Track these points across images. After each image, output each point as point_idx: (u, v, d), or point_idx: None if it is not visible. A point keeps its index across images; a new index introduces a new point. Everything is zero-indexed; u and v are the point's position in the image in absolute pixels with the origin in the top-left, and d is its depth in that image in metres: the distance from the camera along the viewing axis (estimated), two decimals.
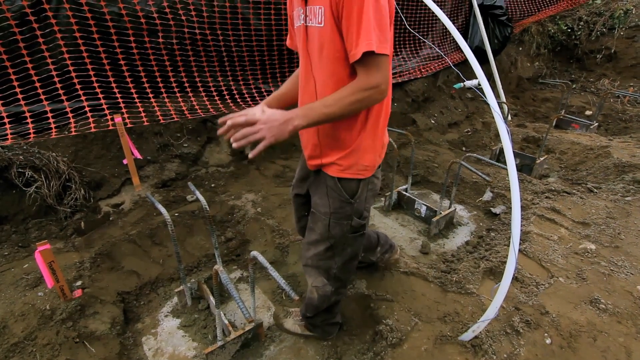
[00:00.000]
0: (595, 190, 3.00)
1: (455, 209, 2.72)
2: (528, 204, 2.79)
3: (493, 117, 2.52)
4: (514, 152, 2.13)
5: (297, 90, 1.40)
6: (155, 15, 2.66)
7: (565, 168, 3.64)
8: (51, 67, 2.38)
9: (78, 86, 2.48)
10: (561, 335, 1.72)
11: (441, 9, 1.64)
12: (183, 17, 2.80)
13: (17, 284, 1.93)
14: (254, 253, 1.40)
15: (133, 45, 2.65)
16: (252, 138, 1.06)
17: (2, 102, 2.29)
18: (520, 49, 6.15)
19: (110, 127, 2.50)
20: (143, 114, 2.70)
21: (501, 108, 4.48)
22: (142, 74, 2.76)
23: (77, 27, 2.41)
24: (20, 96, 2.32)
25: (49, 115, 2.39)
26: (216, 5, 2.91)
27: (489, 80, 1.63)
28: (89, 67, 2.53)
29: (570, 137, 4.11)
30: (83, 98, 2.50)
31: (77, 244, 2.32)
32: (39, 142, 2.50)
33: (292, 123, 1.08)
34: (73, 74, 2.46)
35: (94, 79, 2.55)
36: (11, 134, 2.26)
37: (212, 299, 1.84)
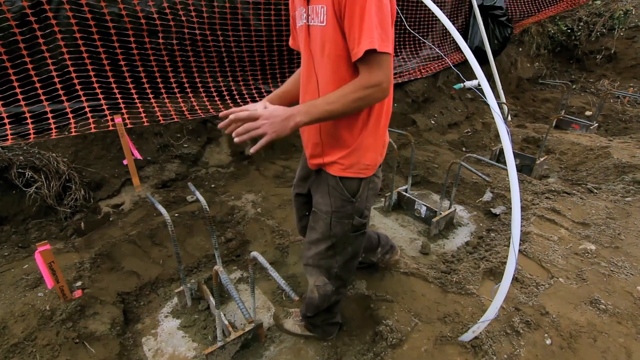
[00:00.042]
0: (595, 190, 3.00)
1: (455, 210, 2.72)
2: (528, 204, 2.79)
3: (493, 118, 2.52)
4: (513, 152, 2.13)
5: (298, 88, 1.40)
6: (155, 15, 2.67)
7: (565, 168, 3.64)
8: (51, 67, 2.38)
9: (78, 87, 2.48)
10: (561, 335, 1.71)
11: (441, 9, 1.64)
12: (183, 18, 2.80)
13: (17, 285, 1.93)
14: (254, 253, 1.40)
15: (133, 45, 2.65)
16: (254, 133, 1.06)
17: (2, 102, 2.29)
18: (520, 49, 6.16)
19: (111, 128, 2.50)
20: (143, 115, 2.70)
21: (501, 108, 4.48)
22: (142, 74, 2.76)
23: (77, 28, 2.41)
24: (20, 97, 2.32)
25: (49, 115, 2.39)
26: (216, 6, 2.91)
27: (488, 80, 1.64)
28: (89, 67, 2.53)
29: (570, 138, 4.11)
30: (83, 98, 2.50)
31: (77, 245, 2.32)
32: (39, 143, 2.50)
33: (294, 119, 1.09)
34: (73, 75, 2.46)
35: (94, 79, 2.55)
36: (11, 134, 2.26)
37: (212, 300, 1.84)
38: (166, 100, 2.88)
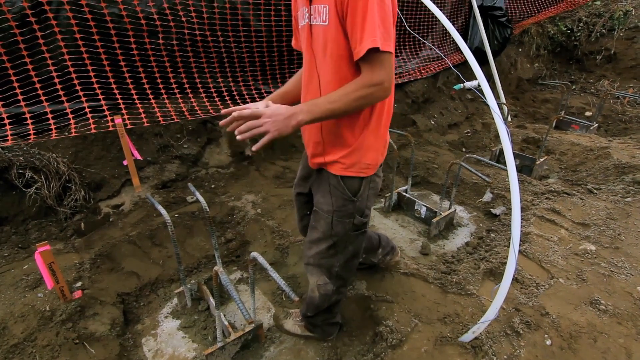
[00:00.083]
0: (595, 191, 3.00)
1: (455, 210, 2.72)
2: (528, 205, 2.79)
3: (493, 118, 2.52)
4: (513, 153, 2.12)
5: (300, 89, 1.41)
6: (155, 16, 2.67)
7: (565, 169, 3.64)
8: (51, 68, 2.38)
9: (78, 87, 2.48)
10: (561, 336, 1.71)
11: (441, 10, 1.64)
12: (183, 19, 2.80)
13: (17, 285, 1.93)
14: (254, 254, 1.40)
15: (133, 46, 2.65)
16: (257, 131, 1.07)
17: (2, 103, 2.29)
18: (520, 50, 6.16)
19: (111, 128, 2.50)
20: (143, 115, 2.70)
21: (501, 109, 4.48)
22: (142, 75, 2.76)
23: (77, 28, 2.41)
24: (20, 97, 2.32)
25: (49, 116, 2.39)
26: (216, 7, 2.91)
27: (488, 81, 1.64)
28: (89, 68, 2.53)
29: (570, 138, 4.11)
30: (83, 99, 2.50)
31: (77, 245, 2.32)
32: (39, 143, 2.50)
33: (296, 118, 1.10)
34: (73, 75, 2.46)
35: (94, 80, 2.55)
36: (11, 135, 2.26)
37: (212, 300, 1.84)
38: (166, 101, 2.88)
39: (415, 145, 3.29)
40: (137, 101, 2.73)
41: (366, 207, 1.41)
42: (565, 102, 5.04)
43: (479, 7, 4.83)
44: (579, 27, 6.41)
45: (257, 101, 3.27)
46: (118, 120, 2.49)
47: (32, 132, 2.31)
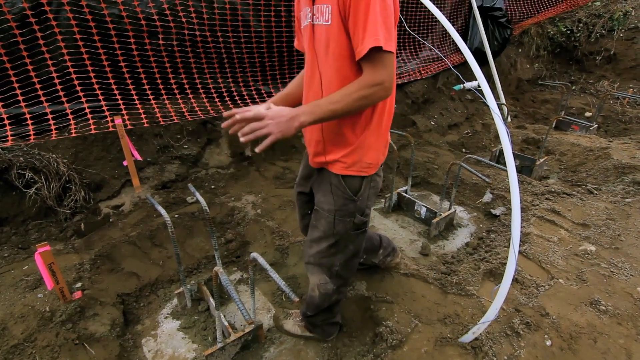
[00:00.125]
0: (595, 191, 3.00)
1: (455, 211, 2.72)
2: (528, 205, 2.80)
3: (493, 119, 2.53)
4: (513, 153, 2.12)
5: (302, 91, 1.42)
6: (155, 17, 2.67)
7: (565, 169, 3.64)
8: (51, 68, 2.38)
9: (78, 88, 2.48)
10: (561, 336, 1.71)
11: (440, 10, 1.64)
12: (183, 19, 2.80)
13: (17, 286, 1.93)
14: (254, 255, 1.40)
15: (133, 47, 2.65)
16: (260, 133, 1.08)
17: (2, 103, 2.29)
18: (520, 50, 6.16)
19: (111, 129, 2.51)
20: (143, 116, 2.70)
21: (501, 110, 4.48)
22: (142, 75, 2.76)
23: (77, 29, 2.41)
24: (20, 97, 2.32)
25: (49, 116, 2.39)
26: (216, 7, 2.92)
27: (488, 81, 1.64)
28: (89, 68, 2.53)
29: (570, 139, 4.11)
30: (83, 99, 2.50)
31: (77, 246, 2.32)
32: (39, 144, 2.50)
33: (298, 119, 1.10)
34: (73, 76, 2.46)
35: (94, 80, 2.56)
36: (11, 135, 2.26)
37: (212, 301, 1.84)
38: (166, 102, 2.88)
39: (415, 146, 3.29)
40: (137, 102, 2.73)
41: (367, 206, 1.41)
42: (565, 102, 5.05)
43: (478, 7, 4.83)
44: (579, 28, 6.42)
45: (257, 102, 3.29)
46: (118, 120, 2.50)
47: (32, 132, 2.31)
